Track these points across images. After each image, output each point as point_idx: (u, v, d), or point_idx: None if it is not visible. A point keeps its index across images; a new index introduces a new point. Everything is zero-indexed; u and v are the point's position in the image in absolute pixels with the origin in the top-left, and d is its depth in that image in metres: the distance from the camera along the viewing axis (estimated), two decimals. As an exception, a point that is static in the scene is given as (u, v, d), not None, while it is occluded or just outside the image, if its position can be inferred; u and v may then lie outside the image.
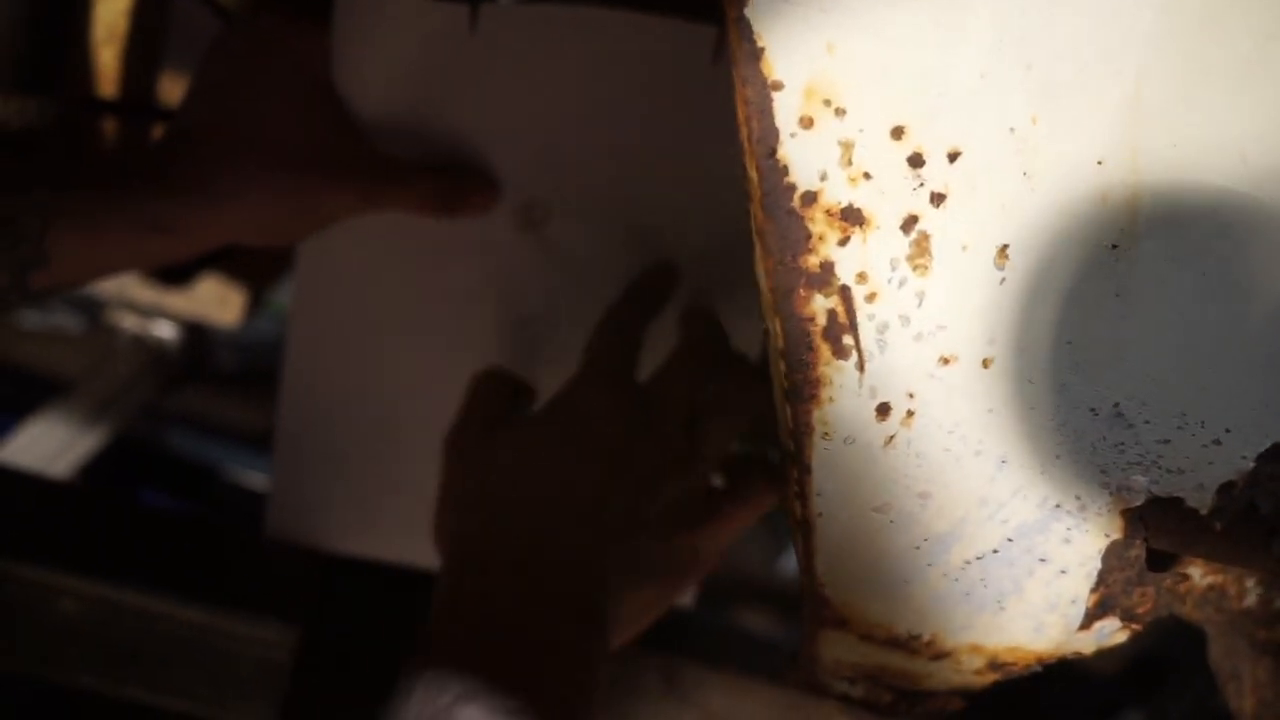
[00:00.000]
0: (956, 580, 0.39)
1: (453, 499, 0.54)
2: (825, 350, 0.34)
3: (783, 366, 0.34)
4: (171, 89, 0.81)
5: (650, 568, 0.51)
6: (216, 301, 1.03)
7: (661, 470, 0.51)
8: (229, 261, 0.99)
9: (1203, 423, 0.37)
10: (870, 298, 0.33)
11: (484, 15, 0.56)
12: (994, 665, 0.43)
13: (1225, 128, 0.33)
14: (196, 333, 1.18)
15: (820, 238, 0.32)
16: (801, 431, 0.35)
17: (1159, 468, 0.38)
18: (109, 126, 0.75)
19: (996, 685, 0.47)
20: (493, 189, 0.60)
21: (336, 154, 0.57)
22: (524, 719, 0.39)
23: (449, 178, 0.59)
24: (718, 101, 0.38)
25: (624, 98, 0.58)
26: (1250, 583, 0.51)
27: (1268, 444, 0.38)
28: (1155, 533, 0.40)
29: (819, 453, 0.35)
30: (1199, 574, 0.49)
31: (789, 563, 1.28)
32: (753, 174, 0.32)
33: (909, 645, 0.41)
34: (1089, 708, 1.25)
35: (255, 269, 1.05)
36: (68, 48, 0.73)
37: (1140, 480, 0.38)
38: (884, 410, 0.35)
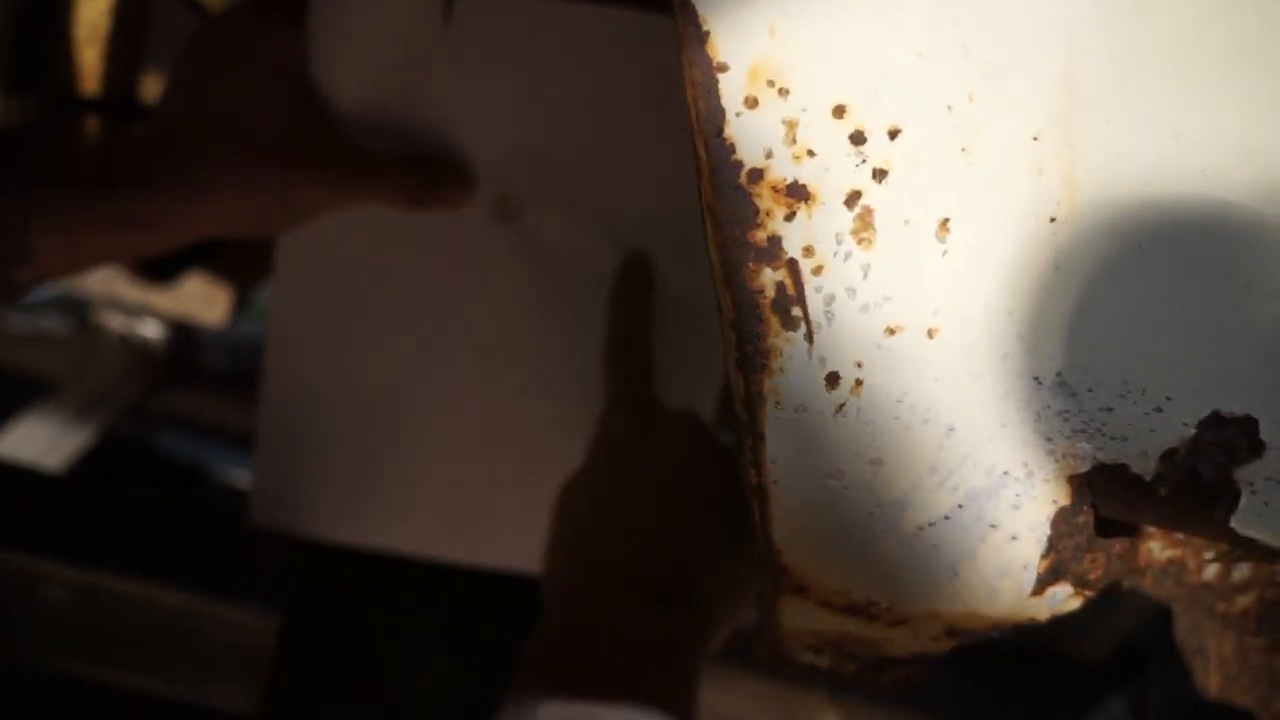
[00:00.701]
0: (911, 546, 0.40)
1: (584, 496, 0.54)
2: (775, 322, 0.35)
3: (734, 338, 0.35)
4: (154, 88, 0.82)
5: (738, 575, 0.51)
6: (202, 301, 1.04)
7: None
8: (214, 261, 1.00)
9: (1144, 390, 0.38)
10: (817, 270, 0.35)
11: (459, 8, 0.57)
12: (951, 631, 0.44)
13: (1158, 105, 0.35)
14: (183, 333, 1.19)
15: (767, 213, 0.34)
16: (754, 401, 0.36)
17: (1103, 435, 0.39)
18: (91, 125, 0.76)
19: (967, 660, 0.48)
20: (468, 181, 0.62)
21: (314, 147, 0.58)
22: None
23: (425, 170, 0.60)
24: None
25: (598, 90, 0.60)
26: (1209, 555, 0.52)
27: (1208, 411, 0.39)
28: (1102, 499, 0.41)
29: (771, 421, 0.37)
30: (1158, 547, 0.51)
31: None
32: (701, 152, 0.33)
33: (867, 612, 0.43)
34: (1072, 695, 1.26)
35: (241, 268, 1.06)
36: (50, 47, 0.74)
37: (1085, 447, 0.39)
38: (833, 380, 0.36)
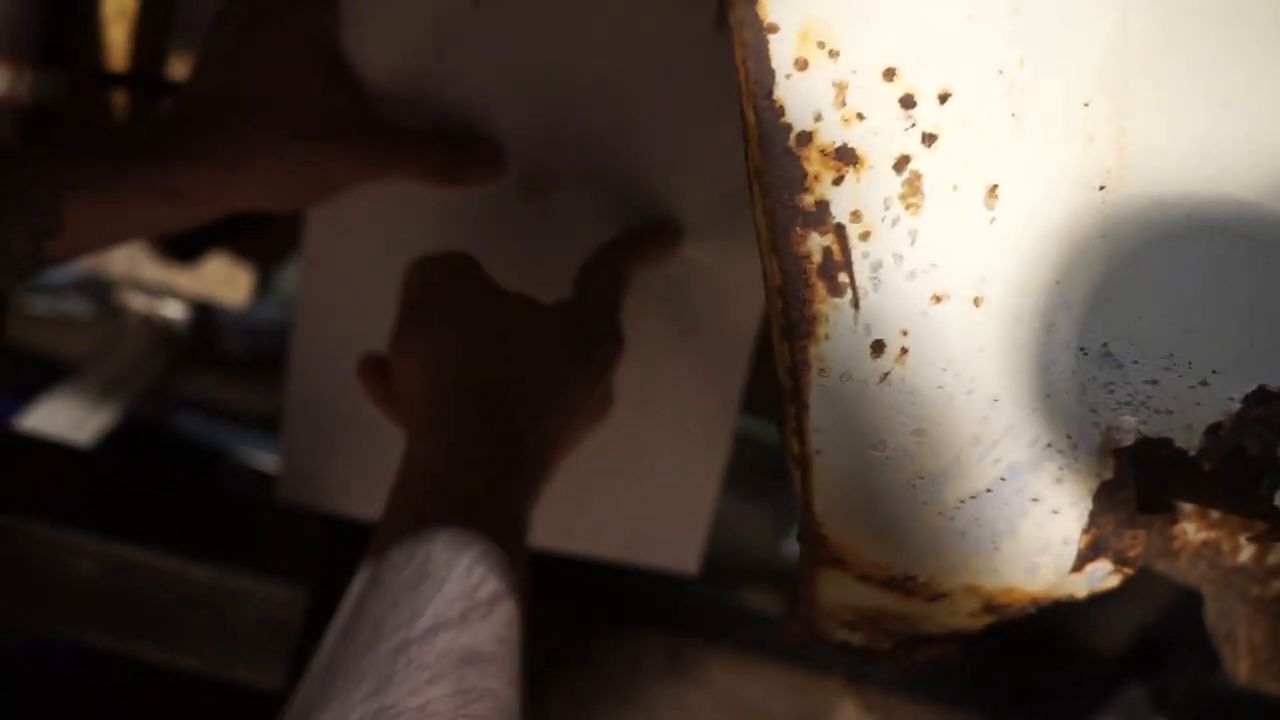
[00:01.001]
0: (952, 519, 0.40)
1: (449, 305, 0.57)
2: (821, 288, 0.35)
3: (780, 304, 0.35)
4: (180, 68, 0.82)
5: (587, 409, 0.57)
6: (224, 281, 1.04)
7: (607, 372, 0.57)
8: (237, 241, 1.00)
9: (1190, 363, 0.38)
10: (864, 236, 0.34)
11: (489, -15, 0.57)
12: (989, 607, 0.44)
13: (1210, 72, 0.34)
14: (204, 315, 1.20)
15: (815, 177, 0.33)
16: (799, 368, 0.36)
17: (1147, 408, 0.39)
18: (119, 100, 0.76)
19: (988, 650, 0.48)
20: (499, 158, 0.61)
21: (345, 121, 0.58)
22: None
23: (455, 147, 0.60)
24: (719, 69, 0.39)
25: (626, 66, 0.59)
26: (1244, 538, 0.52)
27: (1253, 386, 0.39)
28: (1145, 474, 0.41)
29: (816, 389, 0.36)
30: (1193, 529, 0.50)
31: (792, 543, 1.29)
32: (750, 115, 0.33)
33: (905, 586, 0.42)
34: (1091, 686, 1.26)
35: (263, 250, 1.06)
36: (79, 25, 0.74)
37: (1130, 420, 0.39)
38: (879, 347, 0.36)
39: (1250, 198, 0.36)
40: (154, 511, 0.64)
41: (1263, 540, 0.51)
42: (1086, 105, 0.34)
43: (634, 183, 0.63)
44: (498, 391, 0.53)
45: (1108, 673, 1.27)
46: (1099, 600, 0.47)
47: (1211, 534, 0.51)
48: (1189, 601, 0.53)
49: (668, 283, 0.65)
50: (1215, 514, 0.49)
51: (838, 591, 0.43)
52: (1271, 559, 0.53)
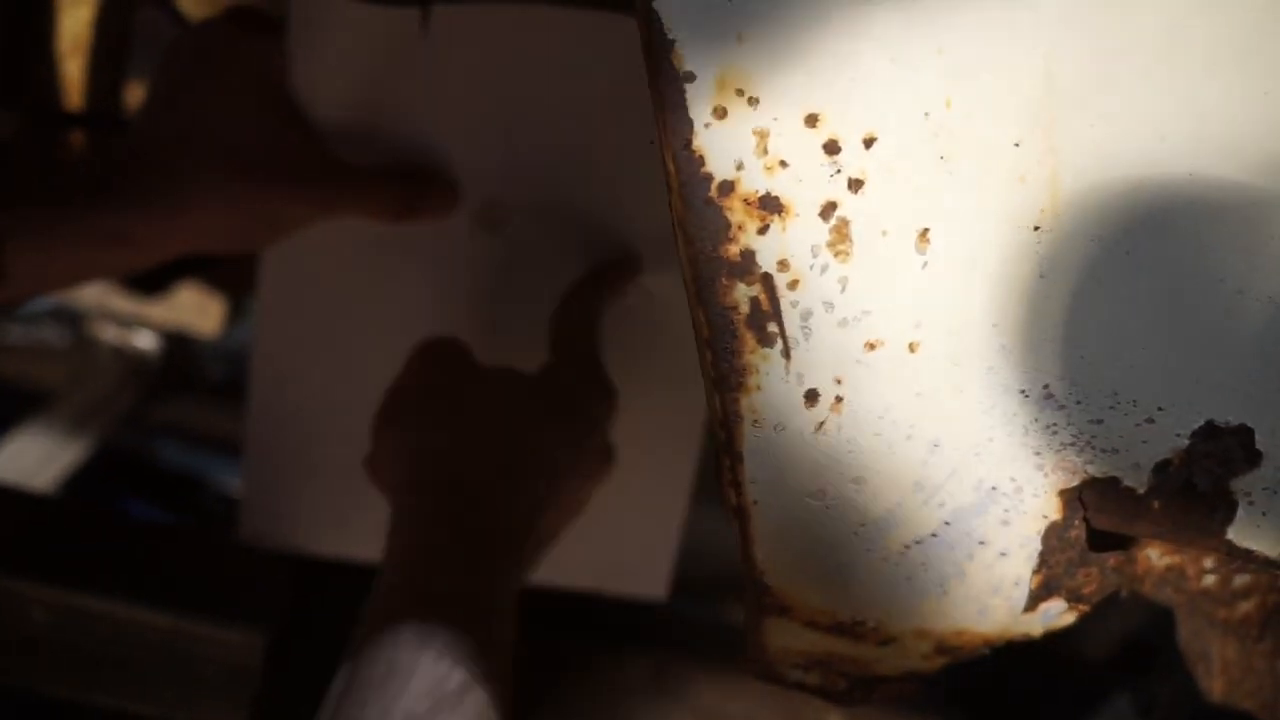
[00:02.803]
0: (897, 565, 0.39)
1: (419, 415, 0.57)
2: (750, 338, 0.34)
3: (709, 356, 0.34)
4: (138, 99, 0.81)
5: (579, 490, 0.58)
6: (196, 311, 1.03)
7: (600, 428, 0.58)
8: (208, 271, 1.00)
9: (1134, 401, 0.37)
10: (792, 285, 0.34)
11: (435, 17, 0.56)
12: (941, 649, 0.43)
13: (1140, 106, 0.34)
14: (178, 343, 1.19)
15: (739, 226, 0.33)
16: (731, 420, 0.35)
17: (1093, 448, 0.38)
18: (75, 138, 0.76)
19: (960, 670, 0.48)
20: (451, 192, 0.61)
21: (293, 161, 0.57)
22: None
23: (406, 183, 0.59)
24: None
25: (579, 95, 0.59)
26: (1208, 563, 0.51)
27: (1201, 421, 0.38)
28: (1095, 513, 0.40)
29: (750, 440, 0.35)
30: (1156, 554, 0.50)
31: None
32: (670, 165, 0.32)
33: (854, 631, 0.42)
34: (1078, 692, 1.25)
35: (234, 278, 1.05)
36: (33, 61, 0.74)
37: (1075, 461, 0.38)
38: (812, 397, 0.35)
39: (1190, 233, 0.35)
40: (108, 556, 0.63)
41: (1224, 567, 0.51)
42: (1017, 145, 0.33)
43: (589, 211, 0.62)
44: (470, 486, 0.53)
45: (1095, 680, 1.26)
46: (1074, 624, 0.47)
47: (1175, 559, 0.50)
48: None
49: (627, 310, 0.64)
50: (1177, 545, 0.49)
51: (786, 638, 0.42)
52: (1236, 583, 0.53)
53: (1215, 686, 0.57)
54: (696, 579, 0.79)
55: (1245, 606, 0.53)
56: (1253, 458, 0.38)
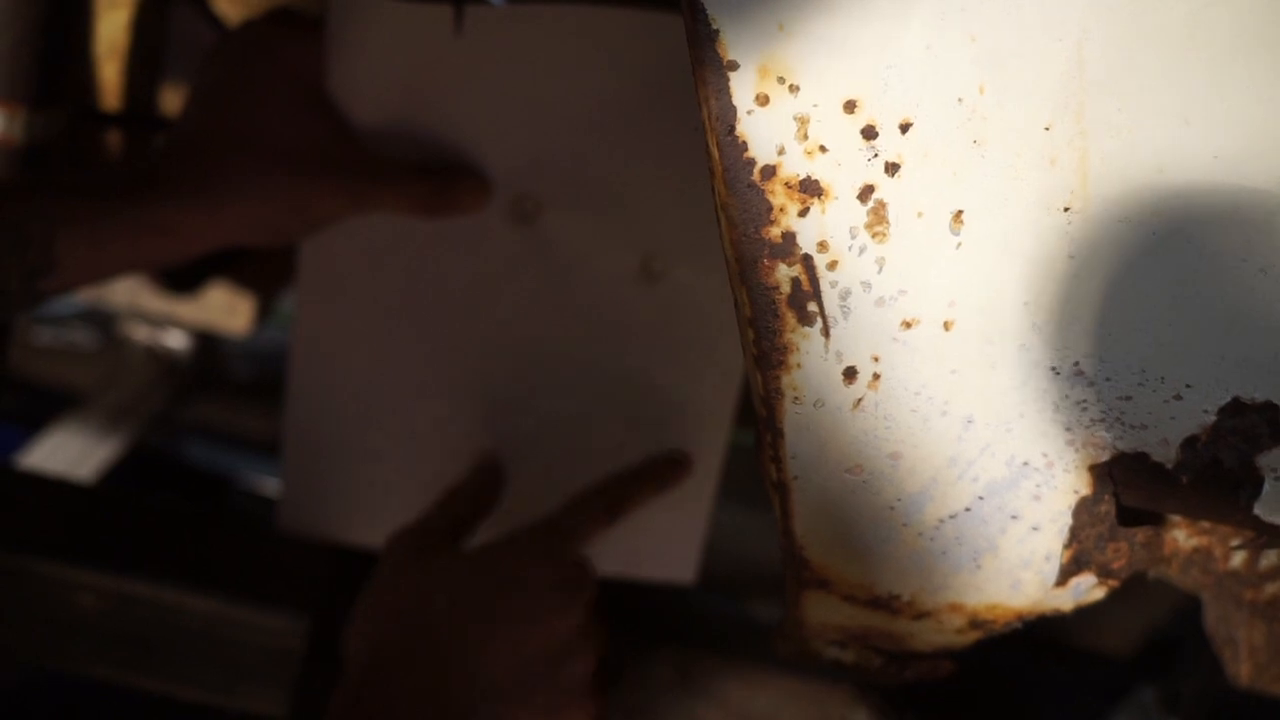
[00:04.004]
0: (932, 539, 0.40)
1: (378, 604, 0.59)
2: (791, 317, 0.35)
3: (751, 334, 0.36)
4: (173, 100, 0.83)
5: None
6: (225, 310, 1.05)
7: (567, 649, 0.56)
8: (237, 270, 1.01)
9: (1162, 378, 0.38)
10: (832, 265, 0.35)
11: (469, 16, 0.58)
12: (975, 623, 0.44)
13: (1168, 91, 0.35)
14: (208, 343, 1.20)
15: (781, 209, 0.34)
16: (772, 397, 0.36)
17: (1122, 424, 0.39)
18: (113, 138, 0.77)
19: (988, 650, 0.49)
20: (484, 187, 0.62)
21: (329, 156, 0.59)
22: None
23: (440, 178, 0.61)
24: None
25: (610, 89, 0.60)
26: (1235, 543, 0.52)
27: (1228, 398, 0.39)
28: (1123, 488, 0.41)
29: (790, 417, 0.37)
30: (1183, 536, 0.51)
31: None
32: (714, 151, 0.34)
33: (890, 605, 0.43)
34: (1102, 687, 1.26)
35: (263, 277, 1.07)
36: (72, 63, 0.75)
37: (1105, 436, 0.39)
38: (850, 374, 0.36)
39: (1214, 213, 0.36)
40: (155, 543, 0.65)
41: (1251, 547, 0.52)
42: (1047, 129, 0.35)
43: (622, 203, 0.63)
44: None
45: (1118, 675, 1.26)
46: (1106, 603, 0.47)
47: (1202, 540, 0.51)
48: (1197, 602, 0.53)
49: (658, 299, 0.65)
50: (1205, 521, 0.50)
51: (824, 612, 0.43)
52: (1263, 563, 0.53)
53: (1243, 671, 0.57)
54: (724, 576, 0.80)
55: (1272, 588, 0.54)
56: (1278, 434, 0.39)
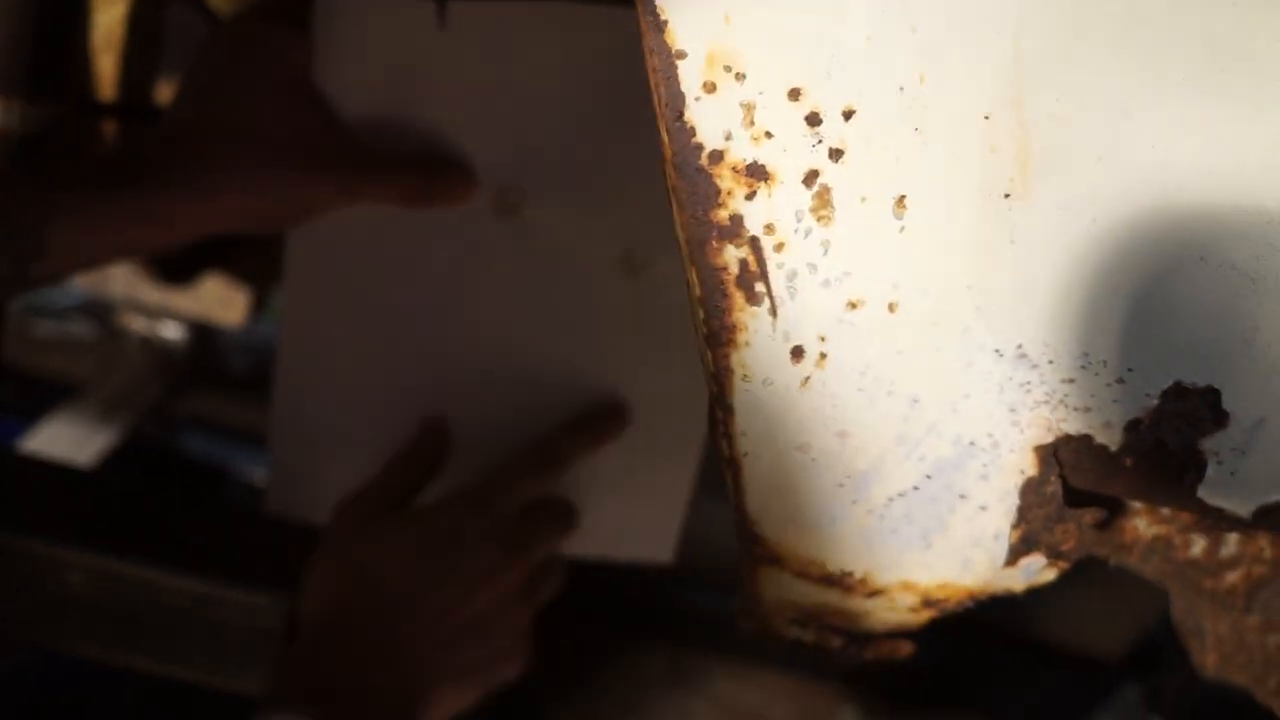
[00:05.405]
0: (882, 517, 0.42)
1: (329, 567, 0.62)
2: (739, 297, 0.36)
3: (701, 314, 0.37)
4: (169, 92, 0.84)
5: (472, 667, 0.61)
6: (221, 302, 1.06)
7: (501, 603, 0.61)
8: (233, 264, 1.03)
9: (1104, 362, 0.40)
10: (778, 247, 0.36)
11: (453, 11, 0.59)
12: (927, 602, 0.45)
13: (1106, 82, 0.36)
14: (204, 335, 1.22)
15: (728, 193, 0.35)
16: (722, 374, 0.38)
17: (1066, 406, 0.40)
18: (109, 129, 0.79)
19: (983, 651, 0.50)
20: (469, 178, 0.63)
21: (317, 147, 0.60)
22: None
23: (426, 168, 0.62)
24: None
25: (592, 84, 0.61)
26: (1195, 533, 0.53)
27: (1170, 382, 0.40)
28: (1069, 470, 0.42)
29: (739, 394, 0.38)
30: (1144, 524, 0.52)
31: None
32: (664, 135, 0.35)
33: (843, 583, 0.44)
34: (1087, 686, 1.27)
35: (258, 270, 1.08)
36: (68, 56, 0.77)
37: (1049, 418, 0.41)
38: (798, 353, 0.38)
39: (1153, 201, 0.38)
40: (144, 523, 0.66)
41: (1209, 534, 0.52)
42: (987, 118, 0.36)
43: (604, 196, 0.65)
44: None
45: (1103, 674, 1.27)
46: (1092, 601, 0.49)
47: (1162, 529, 0.52)
48: (1180, 599, 0.54)
49: (639, 290, 0.67)
50: (1165, 510, 0.51)
51: (779, 589, 0.45)
52: (1223, 552, 0.54)
53: (1208, 661, 0.58)
54: (713, 570, 0.81)
55: (1232, 577, 0.55)
56: (1220, 418, 0.40)
